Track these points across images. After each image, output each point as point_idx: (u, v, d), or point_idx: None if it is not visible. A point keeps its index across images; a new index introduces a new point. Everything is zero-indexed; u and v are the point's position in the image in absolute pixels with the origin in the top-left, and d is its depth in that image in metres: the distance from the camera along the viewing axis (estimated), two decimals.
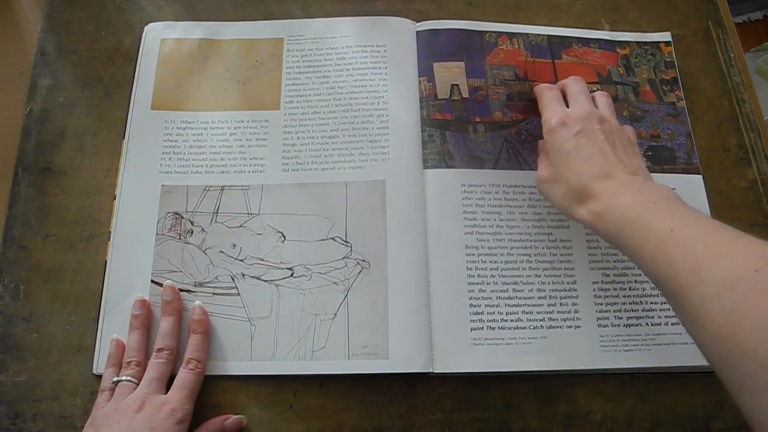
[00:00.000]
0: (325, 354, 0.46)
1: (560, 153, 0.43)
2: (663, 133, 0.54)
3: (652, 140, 0.54)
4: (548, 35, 0.57)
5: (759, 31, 1.56)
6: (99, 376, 0.45)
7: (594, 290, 0.48)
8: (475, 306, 0.47)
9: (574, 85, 0.48)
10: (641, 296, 0.48)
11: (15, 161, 0.52)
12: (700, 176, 0.53)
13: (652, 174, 0.52)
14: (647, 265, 0.36)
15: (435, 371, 0.45)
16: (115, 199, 0.50)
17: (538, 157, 0.49)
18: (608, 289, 0.49)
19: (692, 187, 0.52)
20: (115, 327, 0.46)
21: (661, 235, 0.35)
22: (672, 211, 0.37)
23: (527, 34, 0.57)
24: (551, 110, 0.46)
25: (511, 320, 0.47)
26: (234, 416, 0.45)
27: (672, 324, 0.48)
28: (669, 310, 0.48)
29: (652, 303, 0.48)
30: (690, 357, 0.47)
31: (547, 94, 0.48)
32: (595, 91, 0.50)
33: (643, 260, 0.36)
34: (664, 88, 0.56)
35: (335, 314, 0.47)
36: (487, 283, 0.48)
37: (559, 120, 0.45)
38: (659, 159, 0.53)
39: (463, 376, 0.47)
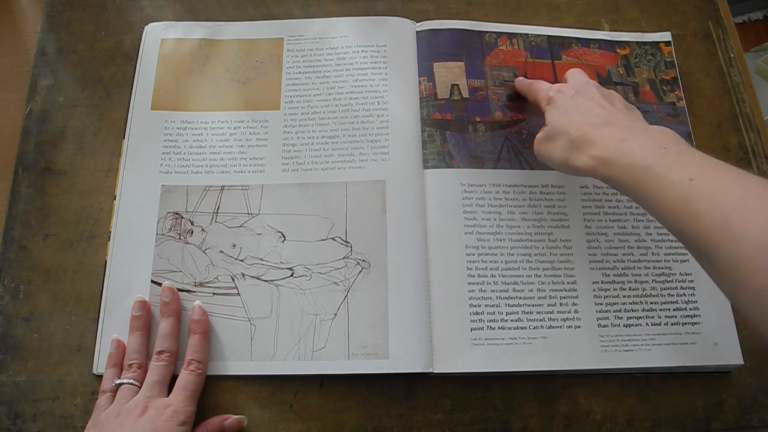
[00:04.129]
0: (325, 354, 0.46)
1: (559, 113, 0.43)
2: None
3: None
4: (548, 36, 0.57)
5: (759, 31, 1.56)
6: (99, 376, 0.45)
7: (594, 290, 0.48)
8: (475, 306, 0.47)
9: (574, 75, 0.48)
10: (641, 296, 0.48)
11: (15, 161, 0.52)
12: None
13: None
14: (667, 217, 0.34)
15: (435, 371, 0.45)
16: (115, 199, 0.50)
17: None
18: (608, 289, 0.48)
19: None
20: (115, 327, 0.46)
21: (681, 185, 0.34)
22: (686, 156, 0.36)
23: (527, 34, 0.57)
24: (545, 86, 0.47)
25: (511, 320, 0.47)
26: (234, 416, 0.45)
27: (672, 324, 0.48)
28: (669, 310, 0.48)
29: (652, 303, 0.48)
30: (690, 357, 0.47)
31: (534, 84, 0.49)
32: None
33: (663, 212, 0.35)
34: (664, 88, 0.56)
35: (335, 314, 0.47)
36: (487, 283, 0.48)
37: (557, 88, 0.45)
38: None
39: (463, 376, 0.47)
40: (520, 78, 0.53)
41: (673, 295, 0.49)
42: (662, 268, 0.49)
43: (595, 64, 0.56)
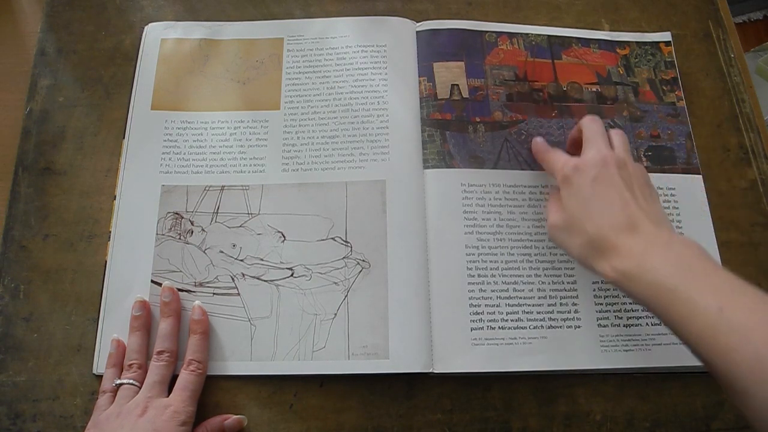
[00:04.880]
0: (325, 354, 0.46)
1: (576, 200, 0.41)
2: (663, 133, 0.54)
3: (652, 140, 0.54)
4: (548, 35, 0.57)
5: (759, 31, 1.56)
6: (99, 377, 0.45)
7: (594, 290, 0.48)
8: (475, 306, 0.47)
9: (590, 125, 0.45)
10: None
11: (15, 161, 0.52)
12: (700, 176, 0.53)
13: (651, 174, 0.52)
14: (694, 344, 0.34)
15: (435, 371, 0.45)
16: (115, 199, 0.50)
17: (547, 207, 0.46)
18: (608, 289, 0.48)
19: (692, 187, 0.52)
20: (115, 327, 0.46)
21: (710, 315, 0.33)
22: (713, 279, 0.35)
23: (527, 34, 0.57)
24: (562, 161, 0.44)
25: (512, 320, 0.47)
26: (234, 416, 0.45)
27: None
28: None
29: None
30: (690, 357, 0.46)
31: (549, 153, 0.47)
32: (610, 128, 0.48)
33: (689, 338, 0.34)
34: (664, 88, 0.56)
35: (335, 314, 0.47)
36: (488, 283, 0.48)
37: (574, 166, 0.42)
38: (659, 159, 0.53)
39: (463, 376, 0.47)
40: (538, 140, 0.49)
41: None
42: None
43: (595, 64, 0.56)
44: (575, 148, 0.48)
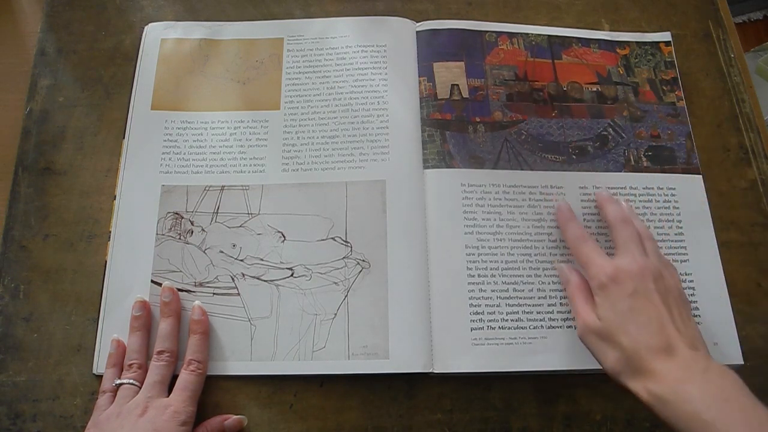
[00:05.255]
0: (325, 354, 0.46)
1: (613, 312, 0.40)
2: (663, 133, 0.54)
3: (652, 140, 0.54)
4: (548, 35, 0.57)
5: (759, 31, 1.56)
6: (99, 377, 0.45)
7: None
8: (475, 306, 0.47)
9: (622, 230, 0.44)
10: None
11: (15, 161, 0.52)
12: (700, 176, 0.53)
13: (652, 174, 0.51)
14: None
15: (435, 371, 0.45)
16: (115, 199, 0.50)
17: (573, 299, 0.44)
18: None
19: (692, 187, 0.52)
20: (115, 327, 0.46)
21: None
22: (750, 413, 0.35)
23: (527, 33, 0.57)
24: (597, 264, 0.43)
25: (512, 320, 0.47)
26: (234, 416, 0.45)
27: None
28: None
29: None
30: None
31: (584, 246, 0.45)
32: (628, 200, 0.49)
33: None
34: (664, 88, 0.56)
35: (335, 314, 0.47)
36: (488, 283, 0.48)
37: (611, 276, 0.41)
38: (659, 159, 0.53)
39: (463, 376, 0.47)
40: (563, 206, 0.48)
41: None
42: None
43: (595, 64, 0.56)
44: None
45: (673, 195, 0.52)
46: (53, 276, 0.48)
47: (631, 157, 0.53)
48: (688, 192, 0.52)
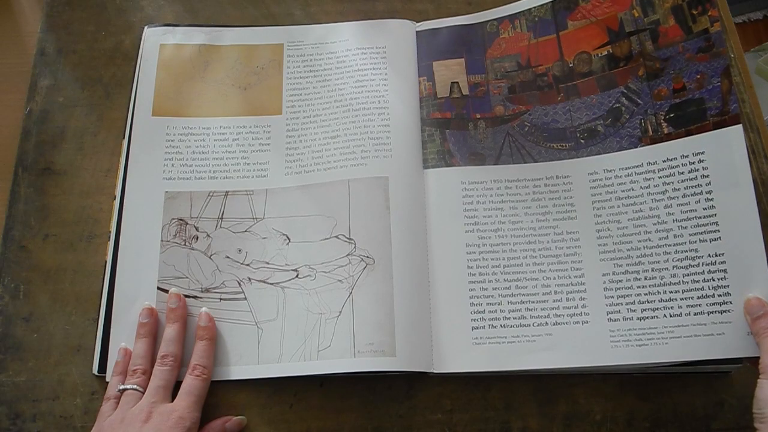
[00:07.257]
0: (330, 353, 0.45)
1: None
2: (690, 81, 0.47)
3: (675, 96, 0.47)
4: (552, 1, 0.53)
5: (759, 31, 1.56)
6: (99, 377, 0.45)
7: (604, 282, 0.46)
8: (476, 305, 0.47)
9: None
10: (659, 285, 0.45)
11: (15, 161, 0.52)
12: (739, 126, 0.44)
13: (674, 142, 0.47)
14: None
15: (435, 371, 0.45)
16: (114, 199, 0.50)
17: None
18: (620, 281, 0.46)
19: (727, 144, 0.44)
20: (122, 335, 0.46)
21: None
22: None
23: (529, 10, 0.54)
24: None
25: (514, 318, 0.46)
26: (235, 418, 0.44)
27: (695, 314, 0.43)
28: (692, 298, 0.44)
29: (671, 292, 0.44)
30: (717, 349, 0.42)
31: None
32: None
33: None
34: (694, 12, 0.47)
35: (340, 312, 0.47)
36: (489, 281, 0.47)
37: None
38: (683, 119, 0.47)
39: (463, 376, 0.46)
40: (753, 300, 0.42)
41: (698, 281, 0.44)
42: (686, 251, 0.44)
43: (605, 17, 0.51)
44: None
45: (701, 162, 0.45)
46: (53, 276, 0.48)
47: (649, 126, 0.48)
48: (722, 152, 0.45)
